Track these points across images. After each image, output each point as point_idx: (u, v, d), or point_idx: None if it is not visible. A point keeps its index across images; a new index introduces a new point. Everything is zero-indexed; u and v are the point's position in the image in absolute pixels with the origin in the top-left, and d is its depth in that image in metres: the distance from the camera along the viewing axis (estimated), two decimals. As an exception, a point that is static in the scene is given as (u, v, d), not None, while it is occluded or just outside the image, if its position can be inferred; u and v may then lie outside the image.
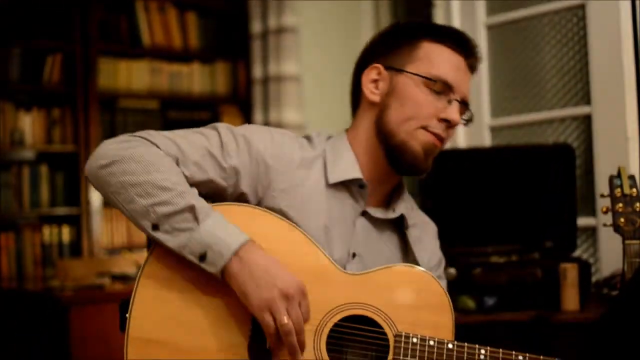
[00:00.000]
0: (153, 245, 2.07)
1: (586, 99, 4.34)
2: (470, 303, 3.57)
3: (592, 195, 4.25)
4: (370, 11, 6.12)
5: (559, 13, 4.51)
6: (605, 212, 2.33)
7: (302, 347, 2.00)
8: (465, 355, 2.08)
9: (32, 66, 5.81)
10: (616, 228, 2.29)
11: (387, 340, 2.08)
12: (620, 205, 2.30)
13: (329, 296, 2.08)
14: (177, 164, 2.08)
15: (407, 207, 2.41)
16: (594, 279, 3.99)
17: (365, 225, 2.29)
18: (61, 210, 5.85)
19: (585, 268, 3.65)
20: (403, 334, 2.07)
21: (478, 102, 4.83)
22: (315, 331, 2.05)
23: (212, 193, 2.15)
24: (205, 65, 6.46)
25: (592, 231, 4.32)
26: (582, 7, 4.36)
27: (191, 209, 1.97)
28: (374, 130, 2.29)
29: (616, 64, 4.07)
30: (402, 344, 2.06)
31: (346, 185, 2.27)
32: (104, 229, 5.89)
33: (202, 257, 1.96)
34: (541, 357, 2.10)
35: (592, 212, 4.27)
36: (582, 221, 4.21)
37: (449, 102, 2.25)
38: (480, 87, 4.82)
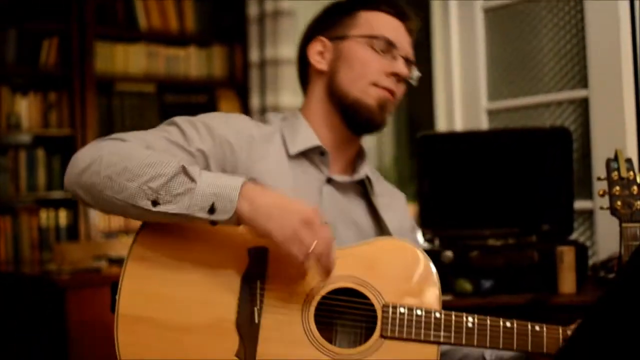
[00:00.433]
0: (140, 227, 2.07)
1: (583, 83, 4.34)
2: (467, 286, 3.58)
3: (589, 178, 4.25)
4: (367, -6, 6.10)
5: (556, -4, 4.51)
6: (602, 195, 2.33)
7: (332, 265, 2.01)
8: (453, 323, 2.09)
9: (28, 49, 5.80)
10: (613, 211, 2.29)
11: (374, 311, 2.08)
12: (617, 188, 2.30)
13: (315, 270, 2.07)
14: None
15: (372, 173, 2.47)
16: (590, 262, 4.00)
17: (331, 193, 2.33)
18: (58, 194, 5.85)
19: (582, 251, 3.65)
20: (390, 304, 2.08)
21: (475, 85, 4.83)
22: (303, 304, 2.06)
23: None
24: (202, 48, 6.46)
25: (589, 214, 4.32)
26: (579, -10, 4.35)
27: (183, 170, 1.95)
28: (326, 97, 2.38)
29: (613, 47, 4.07)
30: (390, 314, 2.07)
31: (307, 155, 2.32)
32: (100, 213, 5.88)
33: (212, 209, 1.94)
34: (529, 322, 2.12)
35: (589, 195, 4.27)
36: (579, 204, 4.21)
37: (394, 58, 2.35)
38: (477, 70, 4.82)
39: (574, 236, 4.09)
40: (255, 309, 2.02)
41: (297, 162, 2.30)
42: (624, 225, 2.26)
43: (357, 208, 2.39)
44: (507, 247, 3.67)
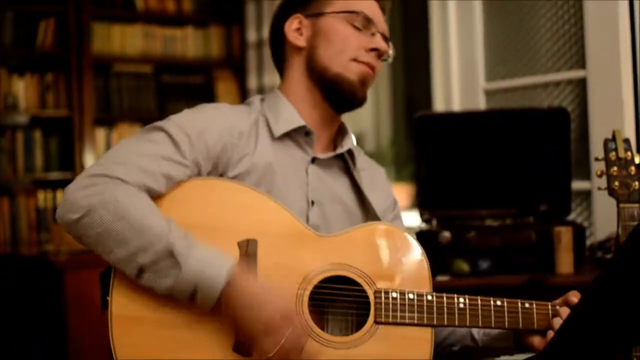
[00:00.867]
0: None
1: (581, 63, 4.33)
2: (464, 266, 3.58)
3: (586, 158, 4.25)
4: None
5: (554, -24, 4.50)
6: (600, 176, 2.33)
7: None
8: (445, 305, 2.10)
9: (25, 31, 5.80)
10: (611, 191, 2.29)
11: (366, 297, 2.09)
12: (615, 168, 2.30)
13: (306, 260, 2.09)
14: (147, 189, 2.03)
15: (354, 147, 2.46)
16: (588, 242, 4.00)
17: (317, 172, 2.32)
18: (55, 175, 5.85)
19: (579, 231, 3.65)
20: (382, 290, 2.09)
21: (473, 65, 4.82)
22: (297, 295, 2.06)
23: None
24: (199, 29, 6.45)
25: (586, 195, 4.32)
26: (577, -30, 4.34)
27: (170, 254, 1.92)
28: (306, 74, 2.36)
29: (611, 28, 4.06)
30: (383, 300, 2.08)
31: (291, 136, 2.31)
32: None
33: (192, 296, 1.94)
34: (519, 300, 2.14)
35: (586, 176, 4.27)
36: (577, 185, 4.21)
37: (372, 34, 2.34)
38: (474, 50, 4.81)
39: (571, 217, 4.08)
40: None
41: (282, 144, 2.29)
42: (621, 205, 2.26)
43: (342, 185, 2.39)
44: (504, 228, 3.68)
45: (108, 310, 1.99)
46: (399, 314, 2.08)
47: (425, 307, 2.09)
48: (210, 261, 1.94)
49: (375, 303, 2.08)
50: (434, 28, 5.10)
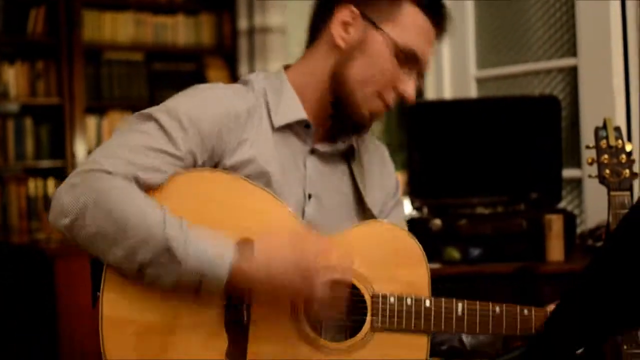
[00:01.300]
0: None
1: (572, 51, 4.34)
2: (455, 254, 3.59)
3: (577, 146, 4.25)
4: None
5: (545, -36, 4.50)
6: (591, 164, 2.33)
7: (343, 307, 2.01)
8: (443, 311, 2.07)
9: (15, 18, 5.77)
10: (601, 179, 2.29)
11: (364, 300, 2.06)
12: (606, 156, 2.30)
13: None
14: (137, 181, 1.95)
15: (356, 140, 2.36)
16: (578, 230, 4.01)
17: (315, 164, 2.25)
18: (46, 163, 5.84)
19: (570, 219, 3.66)
20: (380, 294, 2.05)
21: (464, 53, 4.82)
22: None
23: None
24: (189, 16, 6.43)
25: (577, 183, 4.33)
26: (568, -43, 4.34)
27: (168, 250, 1.87)
28: (329, 75, 2.21)
29: (603, 16, 4.06)
30: (380, 305, 2.05)
31: (291, 127, 2.21)
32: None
33: (199, 288, 1.90)
34: (517, 305, 2.11)
35: (577, 164, 4.28)
36: (568, 173, 4.22)
37: (409, 74, 2.20)
38: (466, 38, 4.81)
39: (562, 204, 4.09)
40: (244, 306, 1.97)
41: (281, 134, 2.19)
42: (612, 193, 2.26)
43: (341, 177, 2.32)
44: (495, 216, 3.68)
45: (98, 309, 1.95)
46: (395, 320, 2.05)
47: (423, 314, 2.06)
48: (209, 250, 1.89)
49: (373, 308, 2.05)
50: (426, 16, 5.09)
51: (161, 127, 2.03)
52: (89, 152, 5.86)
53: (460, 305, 2.09)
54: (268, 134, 2.17)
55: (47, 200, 5.79)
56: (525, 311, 2.10)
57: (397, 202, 2.47)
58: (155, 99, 6.15)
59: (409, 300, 2.06)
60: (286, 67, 2.33)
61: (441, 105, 4.37)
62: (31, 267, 5.00)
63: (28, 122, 5.83)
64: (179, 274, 1.88)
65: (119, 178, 1.92)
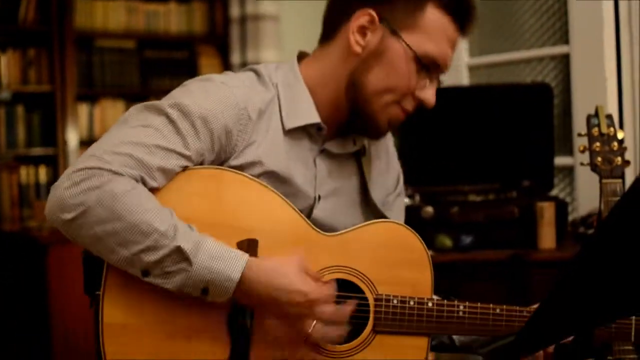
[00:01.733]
0: None
1: (565, 39, 4.34)
2: (447, 241, 3.59)
3: (569, 134, 4.26)
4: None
5: (537, -49, 4.49)
6: (583, 152, 2.33)
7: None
8: (445, 313, 2.05)
9: (7, 6, 5.75)
10: (593, 167, 2.29)
11: (366, 299, 2.04)
12: (598, 144, 2.30)
13: (308, 262, 1.99)
14: (143, 181, 1.90)
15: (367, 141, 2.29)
16: (570, 218, 4.02)
17: (325, 164, 2.19)
18: (38, 151, 5.83)
19: (562, 207, 3.67)
20: (383, 296, 2.03)
21: (456, 41, 4.82)
22: None
23: None
24: (182, 4, 6.41)
25: (569, 170, 4.33)
26: (561, -55, 4.34)
27: (178, 250, 1.83)
28: (345, 82, 2.10)
29: (595, 3, 4.06)
30: (383, 307, 2.03)
31: (303, 128, 2.12)
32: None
33: (204, 291, 1.86)
34: (517, 307, 2.08)
35: (569, 152, 4.28)
36: (560, 160, 4.22)
37: (431, 79, 2.13)
38: (458, 26, 4.80)
39: (554, 192, 4.10)
40: (247, 310, 1.94)
41: (293, 134, 2.11)
42: (604, 181, 2.26)
43: (349, 175, 2.26)
44: (487, 203, 3.69)
45: (97, 309, 1.92)
46: (398, 322, 2.04)
47: (425, 316, 2.04)
48: (221, 256, 1.86)
49: (376, 310, 2.03)
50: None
51: (172, 123, 1.95)
52: (81, 140, 5.85)
53: (461, 307, 2.06)
54: (278, 133, 2.10)
55: (38, 188, 5.79)
56: (526, 312, 2.08)
57: (399, 194, 2.43)
58: (147, 87, 6.17)
59: (412, 303, 2.04)
60: (299, 57, 2.23)
61: (433, 92, 4.36)
62: (23, 255, 5.00)
63: (20, 110, 5.82)
64: (187, 276, 1.84)
65: (127, 179, 1.86)
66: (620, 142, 2.30)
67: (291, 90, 2.13)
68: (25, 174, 5.77)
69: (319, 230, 2.05)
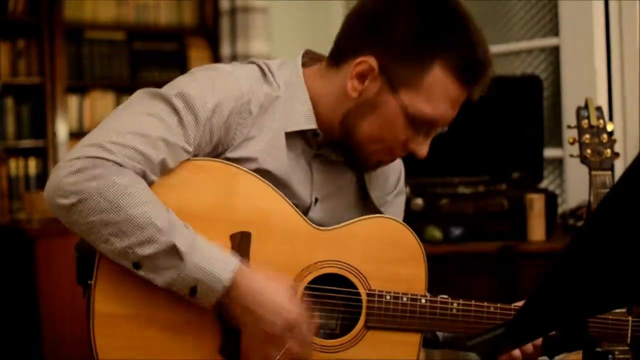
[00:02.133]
0: None
1: (555, 31, 4.34)
2: (437, 233, 3.60)
3: (559, 126, 4.26)
4: (338, -59, 6.06)
5: (527, -57, 4.49)
6: (572, 144, 2.33)
7: None
8: (438, 310, 2.04)
9: (-4, -3, 5.75)
10: (583, 159, 2.29)
11: (359, 294, 2.03)
12: (587, 136, 2.30)
13: (300, 255, 2.01)
14: (145, 175, 1.89)
15: None
16: (560, 210, 4.02)
17: (322, 167, 2.17)
18: (27, 143, 5.82)
19: (551, 199, 3.67)
20: (376, 292, 2.03)
21: (446, 33, 4.82)
22: None
23: None
24: (171, -5, 6.42)
25: (559, 162, 4.34)
26: (551, -63, 4.34)
27: (172, 248, 1.82)
28: (340, 117, 2.05)
29: (584, -5, 4.07)
30: (376, 303, 2.02)
31: (300, 132, 2.10)
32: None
33: (192, 292, 1.86)
34: (512, 305, 2.08)
35: (559, 144, 4.29)
36: (549, 152, 4.23)
37: (426, 133, 2.07)
38: (448, 18, 4.80)
39: (543, 184, 4.11)
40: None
41: (290, 137, 2.08)
42: (593, 173, 2.27)
43: (348, 180, 2.23)
44: (477, 195, 3.69)
45: (88, 298, 1.91)
46: (390, 319, 2.03)
47: (417, 313, 2.04)
48: (214, 258, 1.86)
49: (368, 306, 2.02)
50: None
51: (177, 114, 1.93)
52: (71, 132, 5.85)
53: (455, 304, 2.06)
54: (278, 134, 2.07)
55: (28, 180, 5.78)
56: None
57: (399, 193, 2.40)
58: (136, 79, 6.15)
59: (404, 299, 2.03)
60: (305, 56, 2.18)
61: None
62: (12, 247, 4.99)
63: (9, 102, 5.81)
64: (177, 273, 1.84)
65: (128, 172, 1.86)
66: (610, 134, 2.30)
67: (294, 92, 2.10)
68: (14, 166, 5.76)
69: (312, 224, 2.04)
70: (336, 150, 2.17)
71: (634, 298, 1.68)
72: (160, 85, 2.02)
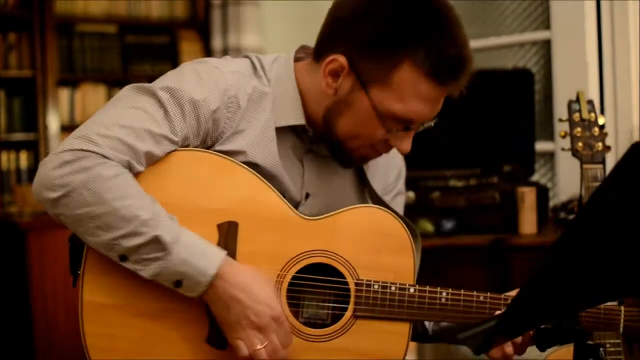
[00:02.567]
0: None
1: (546, 24, 4.34)
2: (428, 226, 3.60)
3: (550, 119, 4.27)
4: None
5: (519, -64, 4.50)
6: (564, 137, 2.33)
7: None
8: (427, 299, 2.04)
9: (-14, -10, 5.74)
10: (574, 152, 2.30)
11: (347, 283, 2.03)
12: (579, 129, 2.31)
13: (288, 245, 2.01)
14: (130, 166, 1.90)
15: None
16: (551, 203, 4.03)
17: (313, 162, 2.18)
18: (18, 136, 5.81)
19: (543, 192, 3.68)
20: (364, 281, 2.03)
21: (438, 26, 4.82)
22: (275, 282, 1.99)
23: None
24: (163, -12, 6.41)
25: (550, 156, 4.34)
26: None
27: (157, 239, 1.84)
28: (322, 113, 2.06)
29: (576, -11, 4.08)
30: (364, 292, 2.02)
31: (290, 127, 2.11)
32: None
33: (178, 283, 1.88)
34: (502, 295, 2.07)
35: (550, 137, 4.29)
36: (541, 146, 4.23)
37: (406, 132, 2.07)
38: (440, 11, 4.80)
39: (535, 177, 4.11)
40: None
41: (281, 132, 2.10)
42: (584, 166, 2.27)
43: (342, 174, 2.23)
44: (468, 188, 3.69)
45: (78, 289, 1.93)
46: (378, 308, 2.03)
47: (406, 302, 2.03)
48: (199, 250, 1.88)
49: (356, 295, 2.02)
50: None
51: (162, 106, 1.95)
52: (62, 125, 5.84)
53: (444, 293, 2.05)
54: (269, 129, 2.08)
55: (19, 174, 5.78)
56: (510, 300, 2.05)
57: (398, 192, 2.42)
58: (128, 72, 6.15)
59: (393, 288, 2.03)
60: (299, 52, 2.20)
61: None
62: (4, 240, 4.99)
63: (0, 95, 5.80)
64: (162, 265, 1.86)
65: (114, 164, 1.87)
66: (601, 127, 2.31)
67: (282, 88, 2.11)
68: (5, 159, 5.76)
69: (300, 214, 2.05)
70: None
71: (625, 291, 1.69)
72: (151, 78, 2.05)
